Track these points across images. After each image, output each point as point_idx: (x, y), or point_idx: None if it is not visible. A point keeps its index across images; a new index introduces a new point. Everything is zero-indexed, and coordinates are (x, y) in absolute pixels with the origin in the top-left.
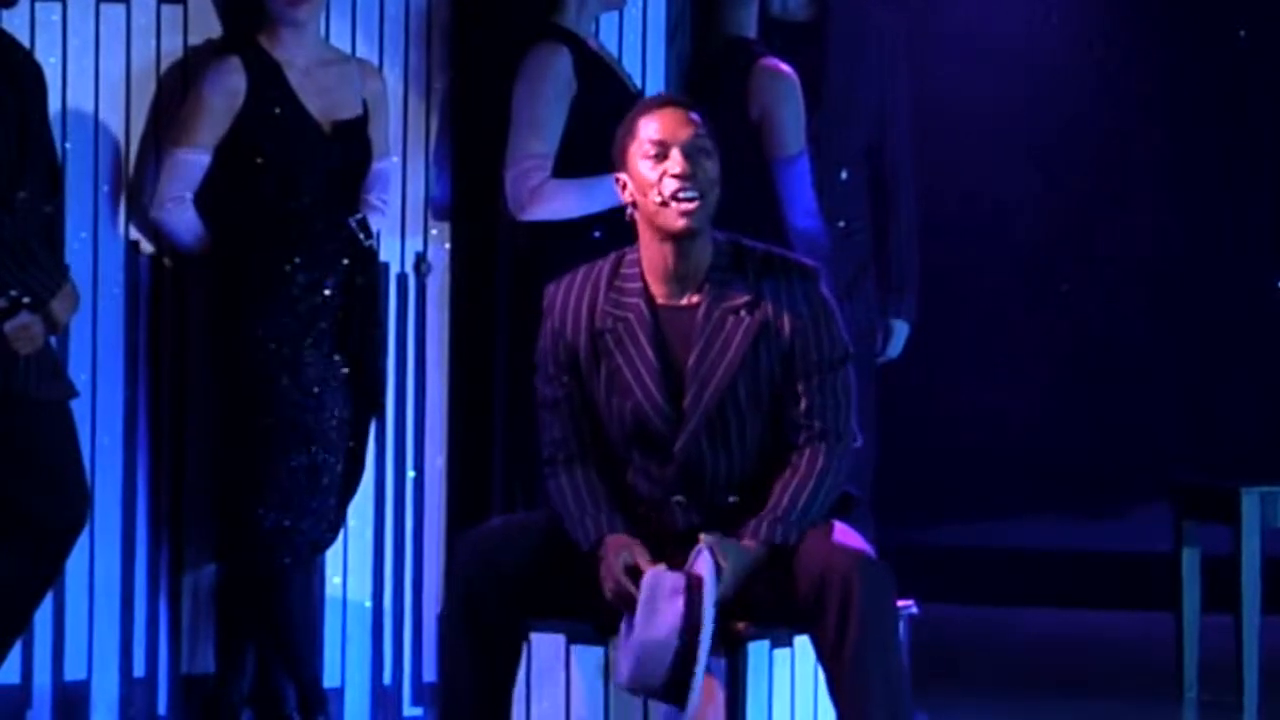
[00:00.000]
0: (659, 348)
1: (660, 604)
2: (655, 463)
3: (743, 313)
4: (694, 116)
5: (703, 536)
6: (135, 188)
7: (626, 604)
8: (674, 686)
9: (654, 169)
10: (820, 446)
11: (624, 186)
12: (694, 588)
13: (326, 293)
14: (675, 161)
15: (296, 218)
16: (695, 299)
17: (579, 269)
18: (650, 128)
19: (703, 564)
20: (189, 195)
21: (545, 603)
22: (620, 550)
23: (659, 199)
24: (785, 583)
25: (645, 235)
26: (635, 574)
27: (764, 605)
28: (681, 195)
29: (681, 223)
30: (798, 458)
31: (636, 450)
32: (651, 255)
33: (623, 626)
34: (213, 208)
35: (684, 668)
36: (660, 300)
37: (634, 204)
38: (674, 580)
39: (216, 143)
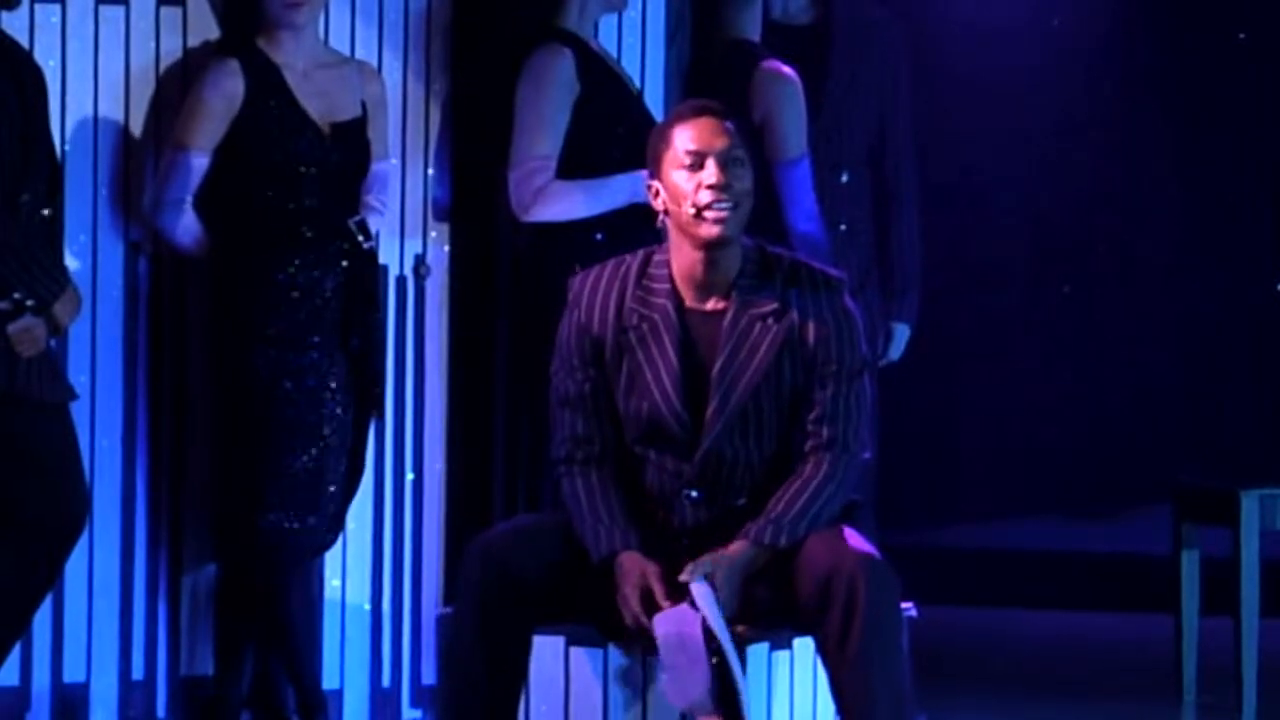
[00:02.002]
0: (683, 351)
1: (688, 664)
2: (670, 459)
3: (770, 320)
4: (728, 126)
5: (687, 574)
6: (135, 190)
7: (643, 636)
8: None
9: (689, 179)
10: (825, 455)
11: (656, 194)
12: (710, 636)
13: (326, 294)
14: (711, 173)
15: (296, 220)
16: (722, 304)
17: (606, 262)
18: (685, 137)
19: (701, 598)
20: (188, 197)
21: (557, 608)
22: (636, 578)
23: (693, 209)
24: (788, 584)
25: (676, 241)
26: (652, 605)
27: (766, 606)
28: (716, 206)
29: (715, 230)
30: (802, 465)
31: (652, 449)
32: (681, 261)
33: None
34: (212, 210)
35: (726, 691)
36: (688, 303)
37: (665, 211)
38: (694, 642)
39: (215, 145)
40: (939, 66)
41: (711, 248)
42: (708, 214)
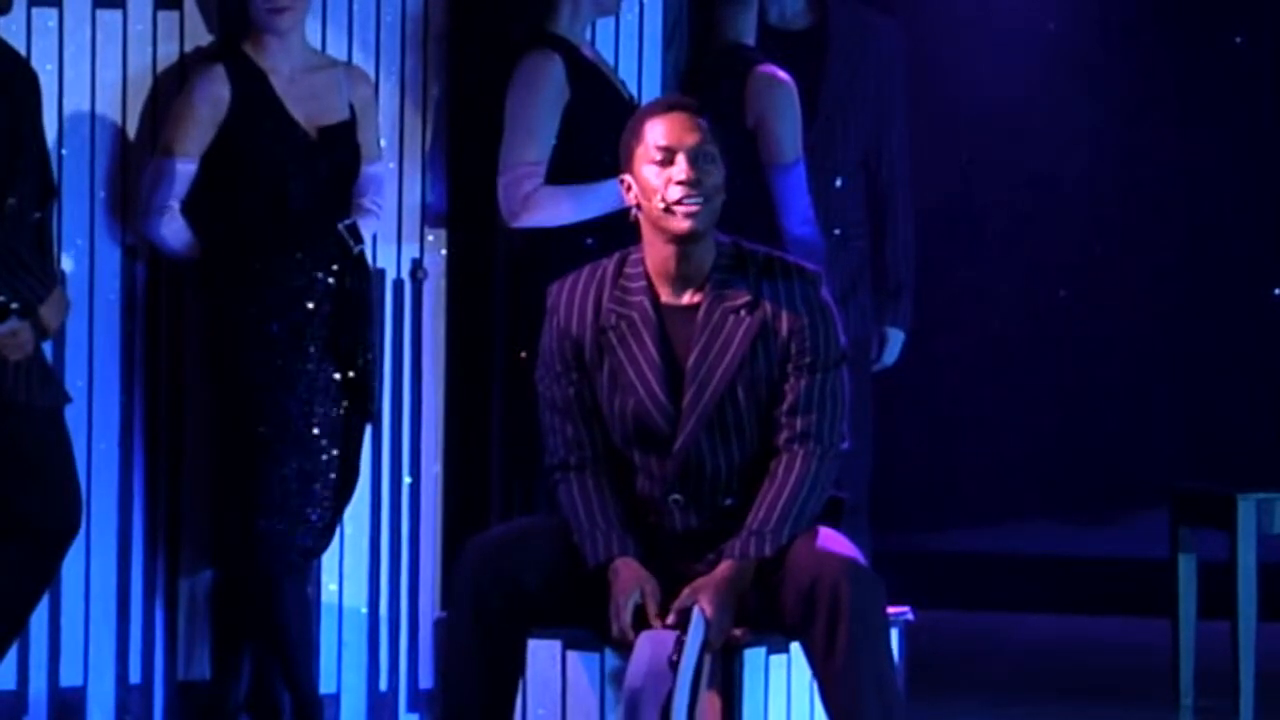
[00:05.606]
0: (662, 346)
1: (648, 693)
2: (655, 461)
3: (742, 312)
4: (701, 121)
5: (680, 604)
6: (131, 194)
7: (627, 648)
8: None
9: (659, 174)
10: (799, 451)
11: (629, 189)
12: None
13: (317, 299)
14: (681, 168)
15: (285, 224)
16: (697, 298)
17: (582, 268)
18: (656, 132)
19: (692, 631)
20: (176, 204)
21: (553, 611)
22: (631, 589)
23: (663, 204)
24: (773, 592)
25: (649, 236)
26: (642, 620)
27: (754, 614)
28: (686, 201)
29: (686, 224)
30: (776, 463)
31: (637, 449)
32: (655, 256)
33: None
34: (202, 216)
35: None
36: (663, 299)
37: (638, 206)
38: (660, 679)
39: (203, 151)
40: (935, 70)
41: (683, 241)
42: (678, 209)
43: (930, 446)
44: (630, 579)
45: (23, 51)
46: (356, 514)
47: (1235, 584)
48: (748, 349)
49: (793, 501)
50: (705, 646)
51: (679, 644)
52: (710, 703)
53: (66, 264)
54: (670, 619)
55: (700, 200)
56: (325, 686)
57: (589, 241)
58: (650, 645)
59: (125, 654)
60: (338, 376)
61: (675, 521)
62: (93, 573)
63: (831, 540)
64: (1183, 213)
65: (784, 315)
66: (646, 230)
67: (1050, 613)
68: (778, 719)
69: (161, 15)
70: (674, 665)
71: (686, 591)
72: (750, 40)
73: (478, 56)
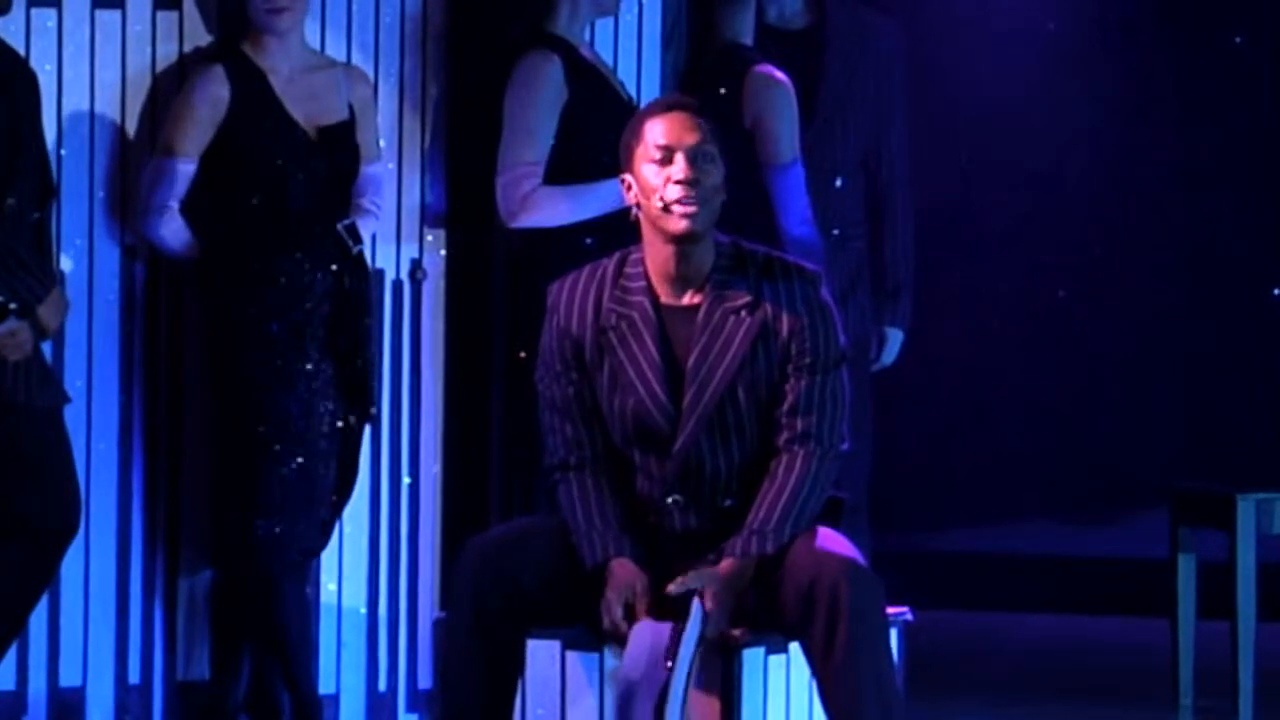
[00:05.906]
0: (662, 346)
1: (643, 686)
2: (655, 462)
3: (743, 313)
4: (700, 121)
5: (676, 587)
6: (131, 194)
7: (620, 642)
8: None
9: (659, 174)
10: (799, 451)
11: (629, 188)
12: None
13: (316, 299)
14: (679, 168)
15: (285, 224)
16: (697, 299)
17: (583, 267)
18: (656, 131)
19: (691, 620)
20: (174, 204)
21: (551, 611)
22: (624, 586)
23: (661, 203)
24: (772, 591)
25: (649, 236)
26: (634, 615)
27: (753, 614)
28: (684, 201)
29: (683, 224)
30: (776, 463)
31: (637, 450)
32: (655, 256)
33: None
34: (201, 216)
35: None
36: (664, 299)
37: (638, 205)
38: (656, 669)
39: (202, 151)
40: (935, 70)
41: (681, 241)
42: (675, 208)
43: (930, 446)
44: (624, 578)
45: (22, 52)
46: (356, 514)
47: (1235, 584)
48: (748, 349)
49: (793, 501)
50: (702, 639)
51: (676, 635)
52: (709, 703)
53: (65, 264)
54: (674, 587)
55: (699, 200)
56: (324, 687)
57: (588, 241)
58: (648, 635)
59: (124, 654)
60: (337, 377)
61: (675, 522)
62: (92, 573)
63: (831, 540)
64: (1183, 213)
65: (784, 316)
66: (646, 230)
67: (1050, 613)
68: (776, 719)
69: (160, 15)
70: (671, 656)
71: (690, 575)
72: (748, 40)
73: (476, 57)
